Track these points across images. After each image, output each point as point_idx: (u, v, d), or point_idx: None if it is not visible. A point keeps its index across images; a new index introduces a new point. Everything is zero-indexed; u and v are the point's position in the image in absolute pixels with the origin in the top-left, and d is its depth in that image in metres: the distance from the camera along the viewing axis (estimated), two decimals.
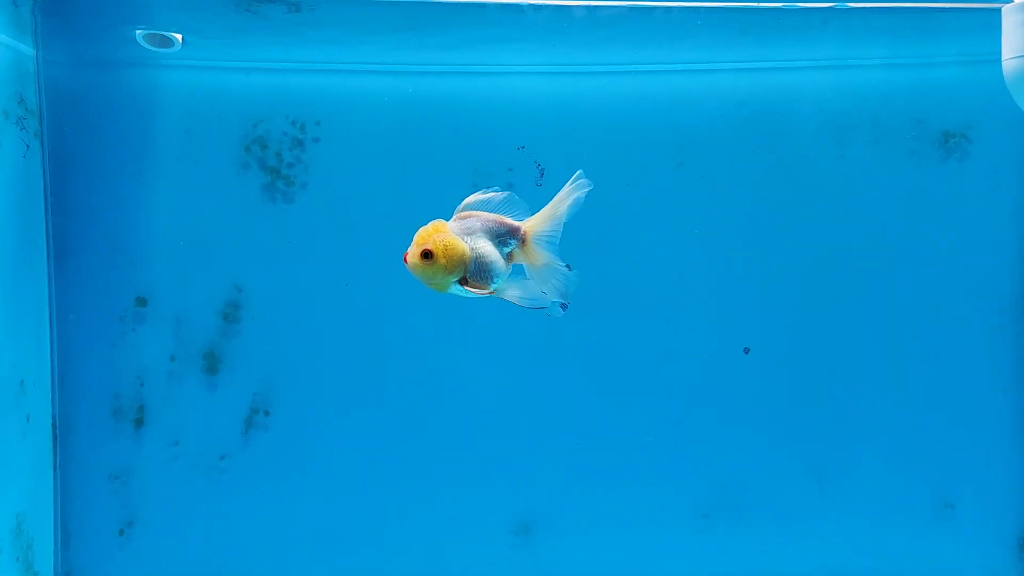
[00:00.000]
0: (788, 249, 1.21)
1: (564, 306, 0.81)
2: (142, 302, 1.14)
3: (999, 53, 0.94)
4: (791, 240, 1.21)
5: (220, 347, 1.16)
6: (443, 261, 0.73)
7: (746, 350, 1.19)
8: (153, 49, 1.04)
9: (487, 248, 0.76)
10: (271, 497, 1.17)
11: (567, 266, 0.78)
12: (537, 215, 0.77)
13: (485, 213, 0.77)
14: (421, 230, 0.74)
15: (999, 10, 0.94)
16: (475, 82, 1.19)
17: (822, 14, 1.06)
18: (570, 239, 1.22)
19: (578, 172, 0.76)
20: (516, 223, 0.77)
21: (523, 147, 1.19)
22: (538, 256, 0.77)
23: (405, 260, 0.73)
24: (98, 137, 1.11)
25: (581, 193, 0.76)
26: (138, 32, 1.01)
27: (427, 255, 0.73)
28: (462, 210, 0.77)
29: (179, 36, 1.02)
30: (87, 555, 1.14)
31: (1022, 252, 1.17)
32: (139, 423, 1.15)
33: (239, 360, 1.16)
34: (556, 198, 0.77)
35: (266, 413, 1.17)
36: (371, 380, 1.18)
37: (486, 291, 0.77)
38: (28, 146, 1.03)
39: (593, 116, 1.18)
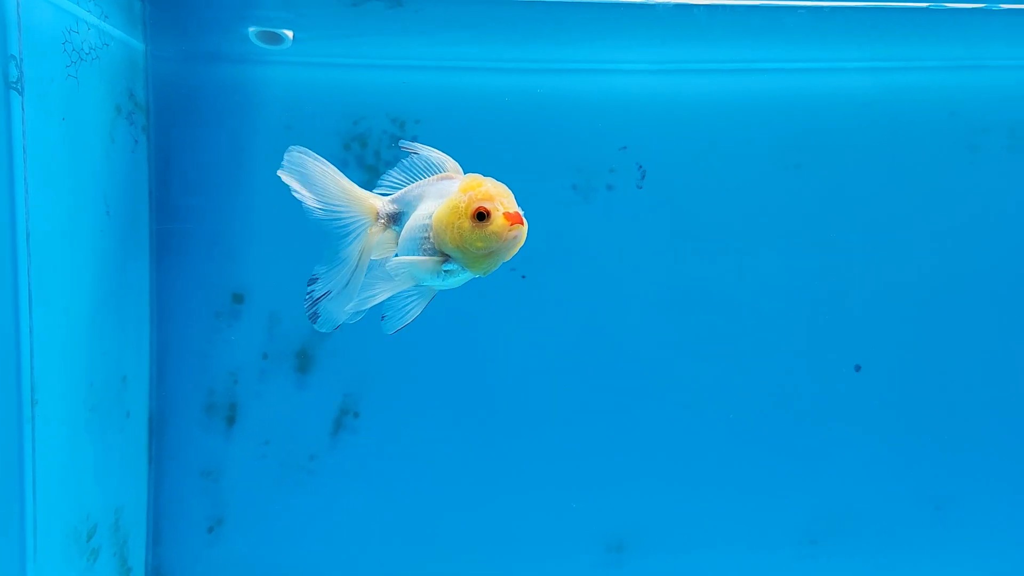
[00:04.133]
0: (909, 261, 1.21)
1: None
2: (238, 299, 1.20)
3: None
4: (913, 251, 1.20)
5: (312, 346, 1.21)
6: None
7: (857, 367, 1.19)
8: (263, 46, 1.10)
9: None
10: (358, 500, 1.21)
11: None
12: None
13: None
14: (493, 187, 0.66)
15: None
16: (579, 80, 1.20)
17: (956, 13, 1.06)
18: (675, 244, 1.23)
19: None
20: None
21: (626, 147, 1.22)
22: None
23: (510, 222, 0.64)
24: (201, 132, 1.16)
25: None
26: (251, 30, 1.06)
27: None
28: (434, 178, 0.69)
29: (290, 33, 1.07)
30: (177, 552, 1.20)
31: None
32: (231, 420, 1.21)
33: (330, 360, 1.20)
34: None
35: (355, 415, 1.22)
36: (462, 386, 1.21)
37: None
38: (137, 141, 1.10)
39: (702, 116, 1.19)
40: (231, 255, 1.19)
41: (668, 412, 1.20)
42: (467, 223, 0.64)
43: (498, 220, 0.64)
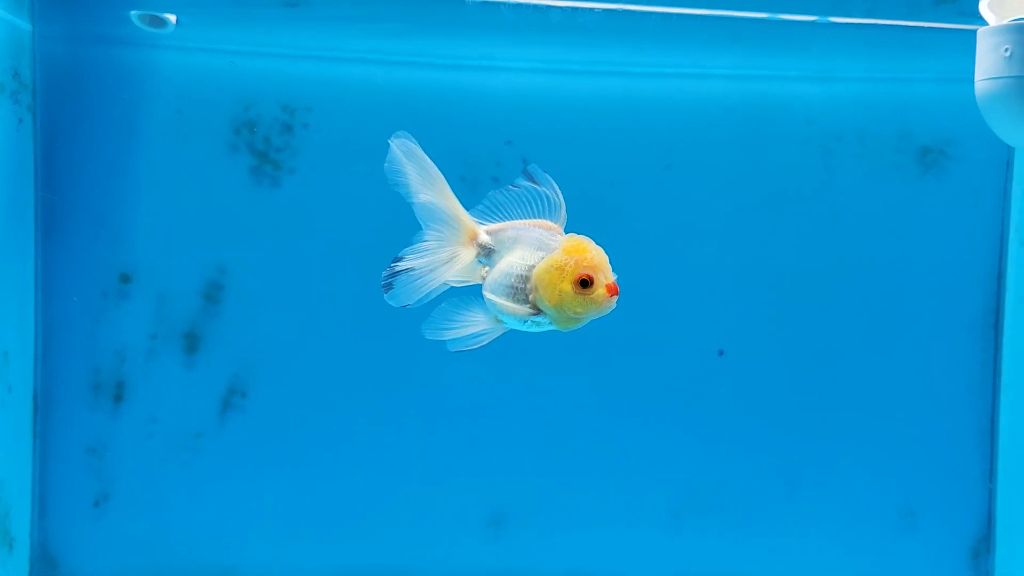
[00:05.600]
0: (769, 256, 1.32)
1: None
2: (126, 279, 1.24)
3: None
4: (773, 247, 1.32)
5: (200, 327, 1.25)
6: None
7: (720, 352, 1.31)
8: (147, 29, 1.13)
9: None
10: (244, 478, 1.26)
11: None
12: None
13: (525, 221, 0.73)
14: (597, 255, 0.69)
15: (975, 32, 1.05)
16: (467, 76, 1.28)
17: (809, 27, 1.17)
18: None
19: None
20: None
21: (511, 142, 1.30)
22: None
23: (610, 293, 0.68)
24: (90, 113, 1.20)
25: None
26: (132, 12, 1.10)
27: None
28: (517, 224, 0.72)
29: (173, 17, 1.11)
30: (63, 525, 1.23)
31: (992, 269, 1.29)
32: (118, 399, 1.24)
33: (219, 341, 1.25)
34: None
35: (243, 395, 1.27)
36: (349, 369, 1.28)
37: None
38: (21, 120, 1.12)
39: (584, 114, 1.28)
40: (118, 236, 1.22)
41: (544, 396, 1.28)
42: (569, 287, 0.68)
43: (600, 290, 0.68)
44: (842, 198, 1.29)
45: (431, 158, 1.24)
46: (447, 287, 0.74)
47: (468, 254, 0.75)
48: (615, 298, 0.68)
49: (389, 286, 0.74)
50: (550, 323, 0.72)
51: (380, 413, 1.28)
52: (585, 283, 0.68)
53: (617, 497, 1.30)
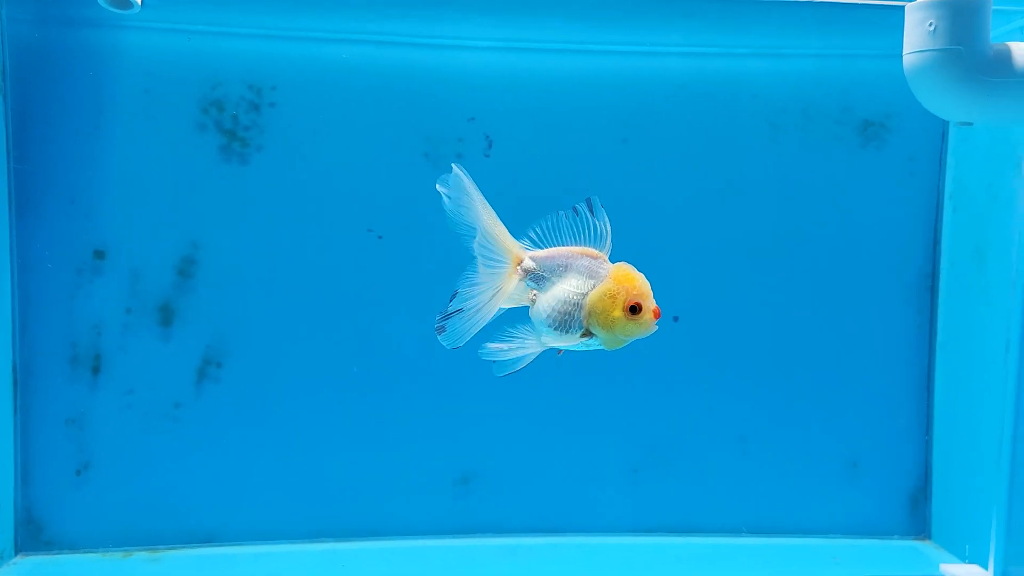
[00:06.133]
0: (720, 225, 1.39)
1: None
2: (100, 255, 1.28)
3: None
4: (723, 217, 1.39)
5: (175, 301, 1.30)
6: None
7: (675, 319, 1.38)
8: (112, 10, 1.16)
9: None
10: (222, 445, 1.32)
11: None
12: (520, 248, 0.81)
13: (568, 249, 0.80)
14: (643, 284, 0.78)
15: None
16: (430, 54, 1.32)
17: (757, 5, 1.23)
18: (519, 208, 1.38)
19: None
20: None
21: (473, 119, 1.35)
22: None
23: (655, 315, 0.77)
24: (60, 94, 1.23)
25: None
26: None
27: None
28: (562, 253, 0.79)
29: None
30: (46, 493, 1.28)
31: (928, 235, 1.37)
32: (95, 371, 1.29)
33: (193, 314, 1.30)
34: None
35: (218, 365, 1.32)
36: (320, 338, 1.33)
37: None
38: None
39: (544, 91, 1.34)
40: (91, 213, 1.26)
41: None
42: (621, 314, 0.78)
43: (647, 316, 0.78)
44: (787, 169, 1.36)
45: (395, 135, 1.30)
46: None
47: (513, 281, 0.82)
48: (656, 321, 0.78)
49: (442, 329, 0.82)
50: (599, 344, 0.81)
51: (351, 380, 1.34)
52: (635, 309, 0.78)
53: (579, 455, 1.38)
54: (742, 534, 1.39)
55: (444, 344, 0.82)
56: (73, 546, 1.28)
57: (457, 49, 1.34)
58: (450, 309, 0.81)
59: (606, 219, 0.81)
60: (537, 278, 0.81)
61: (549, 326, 0.81)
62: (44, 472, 1.28)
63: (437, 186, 0.81)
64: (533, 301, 0.82)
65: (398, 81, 1.32)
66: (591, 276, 0.79)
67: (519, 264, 0.81)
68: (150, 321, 1.30)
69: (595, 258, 0.81)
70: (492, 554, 1.33)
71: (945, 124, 1.36)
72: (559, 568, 1.29)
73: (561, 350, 0.83)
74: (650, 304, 0.77)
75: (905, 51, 1.02)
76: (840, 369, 1.38)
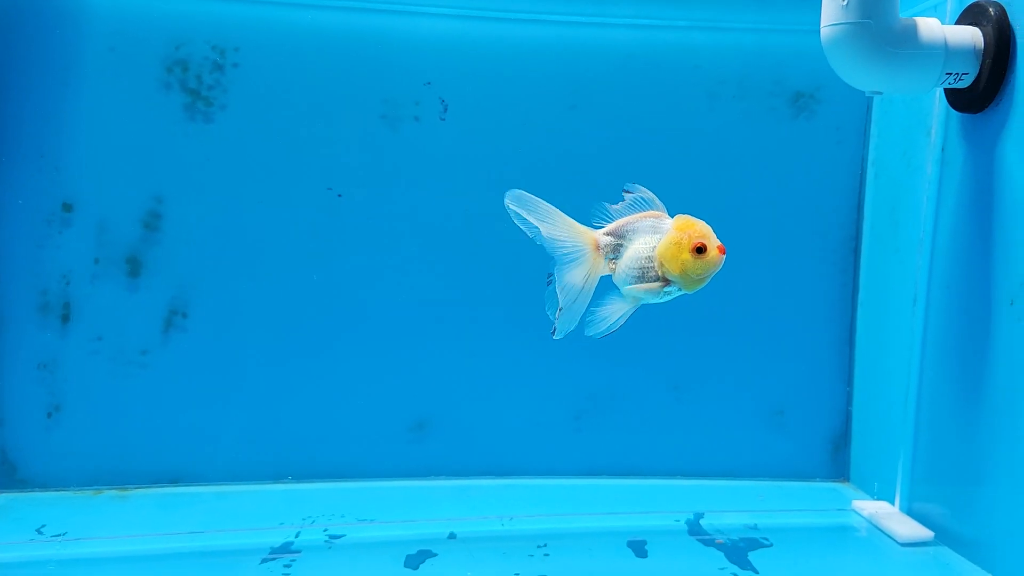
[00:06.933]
0: (660, 187, 1.44)
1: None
2: (68, 208, 1.33)
3: None
4: (664, 179, 1.45)
5: (141, 253, 1.36)
6: None
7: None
8: None
9: None
10: (188, 391, 1.40)
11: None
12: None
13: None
14: (703, 227, 0.87)
15: None
16: (387, 20, 1.39)
17: None
18: (473, 169, 1.45)
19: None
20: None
21: (429, 83, 1.42)
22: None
23: (720, 252, 0.87)
24: (27, 52, 1.28)
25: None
26: None
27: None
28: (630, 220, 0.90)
29: None
30: (19, 434, 1.35)
31: (853, 200, 1.48)
32: (65, 319, 1.35)
33: (159, 267, 1.37)
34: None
35: (184, 315, 1.39)
36: (281, 290, 1.41)
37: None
38: None
39: (497, 58, 1.42)
40: (60, 167, 1.32)
41: (459, 312, 1.44)
42: (689, 256, 0.88)
43: (713, 252, 0.88)
44: (724, 136, 1.46)
45: (354, 97, 1.36)
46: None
47: (599, 261, 0.93)
48: (724, 255, 0.88)
49: (555, 330, 0.93)
50: (679, 290, 0.91)
51: (310, 330, 1.42)
52: (700, 250, 0.88)
53: (525, 403, 1.48)
54: (676, 477, 1.52)
55: (556, 337, 0.93)
56: (45, 484, 1.35)
57: (414, 16, 1.40)
58: (558, 314, 0.93)
59: (648, 191, 0.93)
60: (614, 248, 0.92)
61: (632, 284, 0.91)
62: (17, 415, 1.34)
63: (507, 203, 0.91)
64: (613, 269, 0.92)
65: (357, 45, 1.39)
66: (656, 232, 0.90)
67: (597, 245, 0.92)
68: (117, 272, 1.36)
69: (657, 217, 0.92)
70: (445, 495, 1.42)
71: (870, 96, 1.47)
72: (507, 508, 1.38)
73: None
74: (714, 242, 0.87)
75: (822, 24, 1.11)
76: (769, 323, 1.49)
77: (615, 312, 0.93)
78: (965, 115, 1.18)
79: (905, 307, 1.34)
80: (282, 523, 1.26)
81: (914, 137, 1.34)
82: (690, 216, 0.89)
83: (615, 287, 0.92)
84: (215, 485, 1.41)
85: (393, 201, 1.42)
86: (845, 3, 1.06)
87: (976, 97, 1.13)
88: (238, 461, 1.42)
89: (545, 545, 1.22)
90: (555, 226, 0.92)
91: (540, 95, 1.43)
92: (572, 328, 0.92)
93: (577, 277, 0.91)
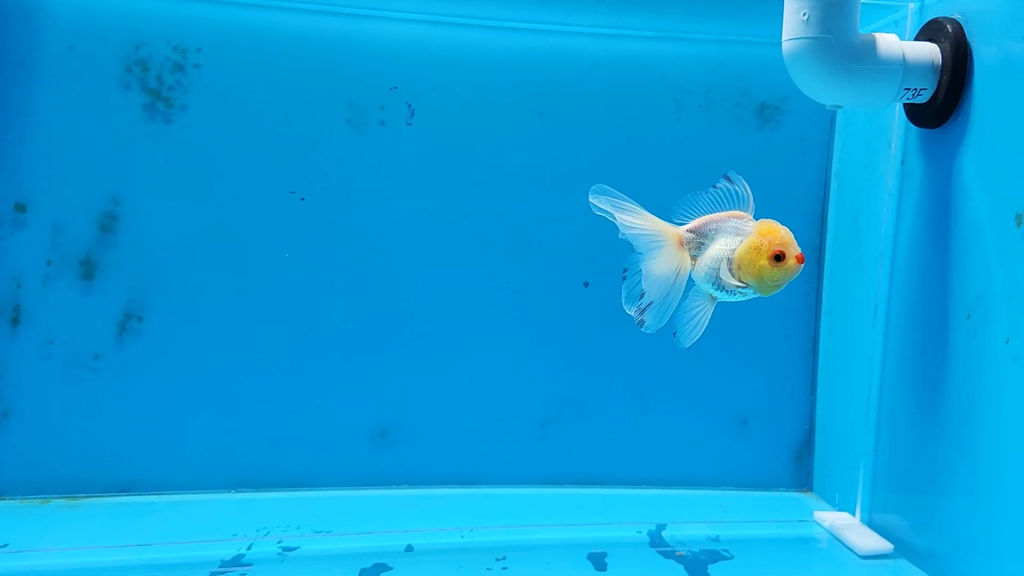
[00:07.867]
0: (628, 195, 1.48)
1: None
2: (20, 208, 1.30)
3: None
4: (631, 187, 1.47)
5: (97, 255, 1.34)
6: None
7: (585, 284, 1.47)
8: None
9: None
10: (142, 396, 1.37)
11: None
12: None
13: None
14: (785, 234, 0.89)
15: None
16: (353, 23, 1.38)
17: None
18: (440, 174, 1.45)
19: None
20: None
21: (396, 88, 1.41)
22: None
23: (799, 262, 0.88)
24: None
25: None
26: None
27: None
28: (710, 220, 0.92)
29: None
30: None
31: (817, 210, 1.50)
32: (15, 322, 1.32)
33: (114, 268, 1.35)
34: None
35: (139, 319, 1.37)
36: (240, 295, 1.39)
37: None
38: None
39: (465, 64, 1.42)
40: (12, 167, 1.29)
41: (426, 319, 1.43)
42: (767, 262, 0.89)
43: (791, 261, 0.89)
44: (690, 145, 1.47)
45: (319, 101, 1.35)
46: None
47: (685, 257, 0.94)
48: (802, 265, 0.89)
49: (642, 322, 0.95)
50: (754, 292, 0.92)
51: (270, 337, 1.41)
52: (779, 257, 0.89)
53: (490, 411, 1.47)
54: (640, 486, 1.52)
55: (647, 331, 0.95)
56: None
57: (380, 20, 1.40)
58: (642, 304, 0.94)
59: (745, 185, 0.94)
60: (697, 245, 0.94)
61: (709, 283, 0.93)
62: None
63: (591, 198, 0.94)
64: (693, 266, 0.94)
65: (323, 47, 1.38)
66: (738, 234, 0.92)
67: (680, 241, 0.94)
68: (71, 274, 1.33)
69: (741, 218, 0.93)
70: (405, 505, 1.41)
71: (831, 109, 1.48)
72: (468, 519, 1.37)
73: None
74: (793, 251, 0.89)
75: (783, 38, 1.13)
76: (733, 333, 1.50)
77: (699, 313, 0.95)
78: (924, 130, 1.20)
79: (867, 318, 1.36)
80: (235, 534, 1.25)
81: (876, 149, 1.35)
82: (774, 221, 0.91)
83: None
84: (169, 494, 1.38)
85: (357, 205, 1.41)
86: (806, 18, 1.07)
87: (934, 112, 1.15)
88: (193, 470, 1.40)
89: (504, 558, 1.21)
90: (638, 221, 0.94)
91: (507, 102, 1.43)
92: (663, 324, 0.94)
93: (666, 271, 0.93)
